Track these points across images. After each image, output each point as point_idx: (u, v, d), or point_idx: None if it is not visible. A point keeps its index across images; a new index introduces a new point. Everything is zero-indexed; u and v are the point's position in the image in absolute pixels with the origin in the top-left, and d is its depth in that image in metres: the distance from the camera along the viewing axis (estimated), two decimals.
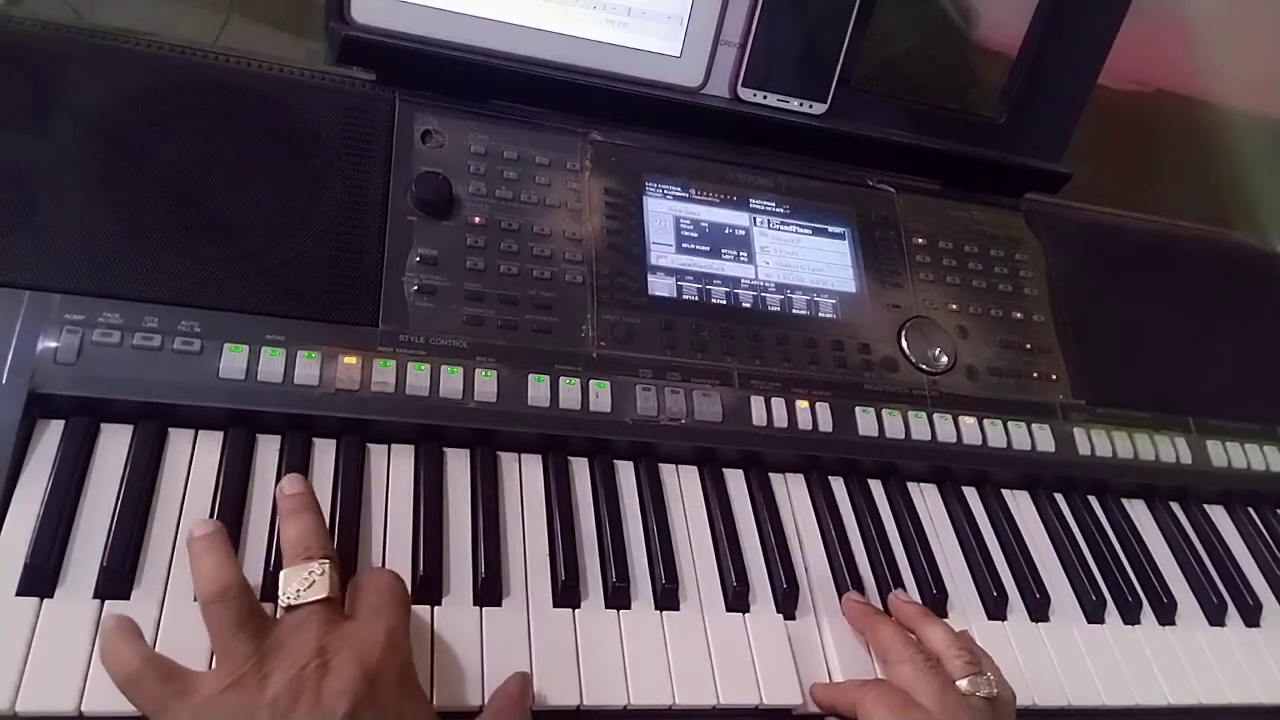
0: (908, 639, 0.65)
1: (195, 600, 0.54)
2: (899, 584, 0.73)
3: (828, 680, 0.66)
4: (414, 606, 0.60)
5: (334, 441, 0.67)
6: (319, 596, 0.53)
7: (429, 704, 0.55)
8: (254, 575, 0.59)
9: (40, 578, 0.55)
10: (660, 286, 0.79)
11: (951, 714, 0.59)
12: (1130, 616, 0.78)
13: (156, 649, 0.54)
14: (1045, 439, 0.84)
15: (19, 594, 0.55)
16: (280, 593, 0.53)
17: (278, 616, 0.53)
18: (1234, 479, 0.90)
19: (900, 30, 0.99)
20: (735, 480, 0.76)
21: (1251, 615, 0.82)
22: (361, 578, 0.57)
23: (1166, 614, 0.79)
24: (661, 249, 0.80)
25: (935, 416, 0.81)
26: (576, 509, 0.69)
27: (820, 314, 0.83)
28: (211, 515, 0.61)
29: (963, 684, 0.62)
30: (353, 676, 0.49)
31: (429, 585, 0.62)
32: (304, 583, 0.53)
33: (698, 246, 0.82)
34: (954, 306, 0.87)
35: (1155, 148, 1.24)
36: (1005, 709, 0.63)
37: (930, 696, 0.60)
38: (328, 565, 0.54)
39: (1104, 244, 0.98)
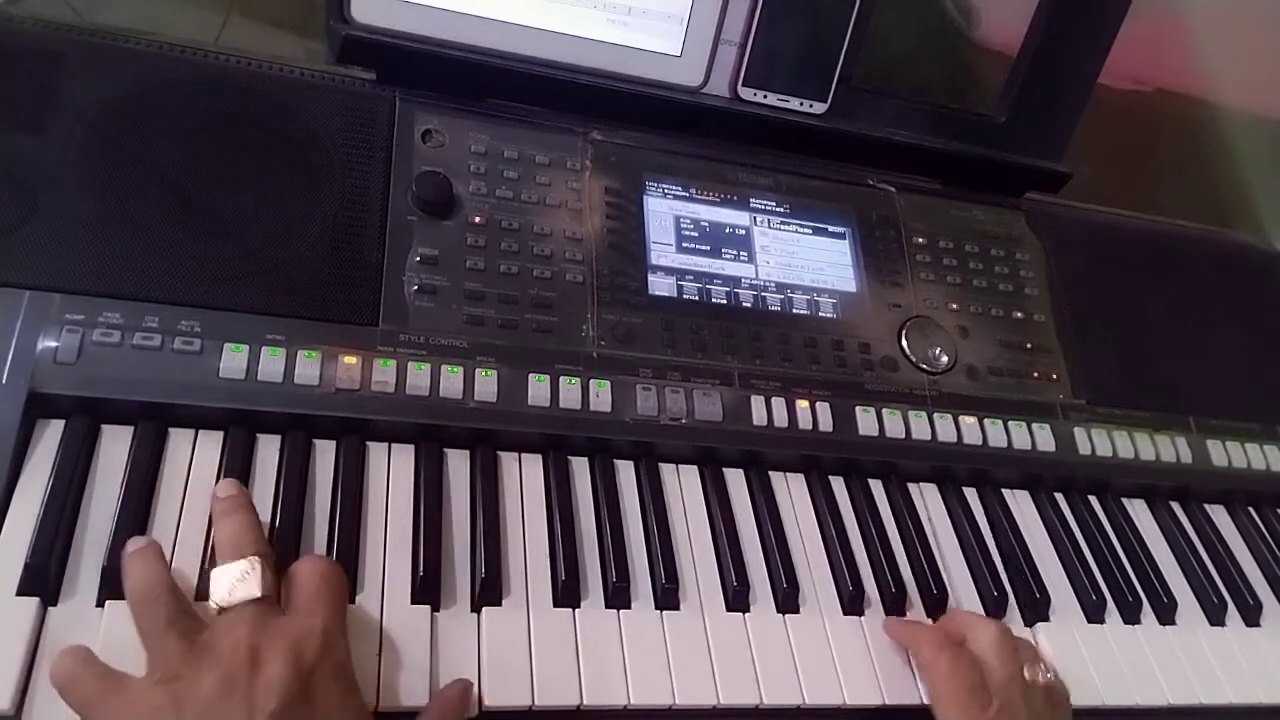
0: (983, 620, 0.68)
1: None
2: (899, 584, 0.73)
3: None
4: (414, 606, 0.61)
5: (334, 441, 0.67)
6: (250, 596, 0.52)
7: (363, 702, 0.54)
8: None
9: (40, 578, 0.55)
10: (660, 286, 0.79)
11: (1012, 700, 0.61)
12: (1130, 616, 0.78)
13: None
14: (1045, 439, 0.84)
15: (19, 594, 0.54)
16: (211, 594, 0.53)
17: (207, 617, 0.53)
18: (1234, 479, 0.90)
19: (901, 30, 0.99)
20: (735, 480, 0.76)
21: (1252, 615, 0.82)
22: (295, 570, 0.56)
23: (1167, 614, 0.79)
24: (662, 248, 0.80)
25: (935, 416, 0.81)
26: (576, 509, 0.69)
27: (820, 314, 0.82)
28: (211, 515, 0.61)
29: (1028, 673, 0.64)
30: (282, 675, 0.49)
31: (429, 585, 0.62)
32: (235, 582, 0.53)
33: (698, 246, 0.82)
34: (954, 306, 0.87)
35: (1155, 148, 1.24)
36: (1059, 695, 0.65)
37: (999, 680, 0.62)
38: (259, 563, 0.54)
39: (1104, 244, 0.98)
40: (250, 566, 0.53)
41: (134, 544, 0.56)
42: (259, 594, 0.53)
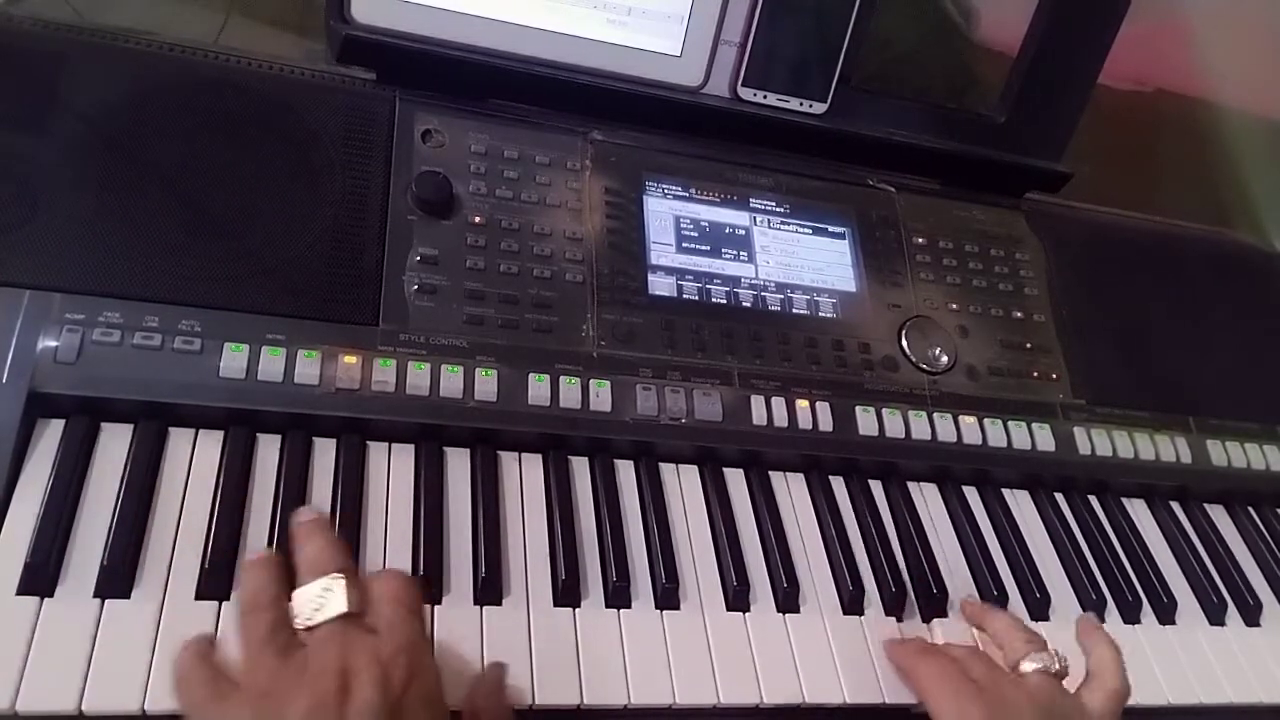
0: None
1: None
2: (899, 584, 0.73)
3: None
4: None
5: (334, 441, 0.67)
6: (335, 612, 0.51)
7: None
8: None
9: (40, 577, 0.55)
10: (660, 286, 0.79)
11: (1000, 691, 0.62)
12: (1130, 616, 0.78)
13: (156, 648, 0.55)
14: (1045, 438, 0.84)
15: (19, 593, 0.55)
16: (295, 614, 0.52)
17: (299, 637, 0.52)
18: (1234, 479, 0.90)
19: (901, 30, 1.00)
20: (735, 480, 0.76)
21: (1251, 615, 0.82)
22: (375, 586, 0.55)
23: (1166, 613, 0.79)
24: (662, 248, 0.80)
25: (935, 416, 0.81)
26: (576, 508, 0.69)
27: (820, 313, 0.83)
28: (211, 514, 0.61)
29: (1026, 665, 0.64)
30: (372, 699, 0.48)
31: (429, 585, 0.62)
32: (318, 600, 0.52)
33: (698, 246, 0.82)
34: (954, 306, 0.87)
35: (1155, 148, 1.25)
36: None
37: (982, 673, 0.63)
38: (341, 580, 0.53)
39: (1104, 244, 0.98)
40: (331, 584, 0.52)
41: (253, 554, 0.55)
42: (344, 609, 0.52)
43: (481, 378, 0.70)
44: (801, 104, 0.87)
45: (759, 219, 0.85)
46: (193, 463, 0.63)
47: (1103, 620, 0.76)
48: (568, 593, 0.65)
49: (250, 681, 0.50)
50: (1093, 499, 0.86)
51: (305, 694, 0.48)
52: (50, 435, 0.61)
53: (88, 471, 0.61)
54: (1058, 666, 0.65)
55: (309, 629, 0.51)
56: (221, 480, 0.63)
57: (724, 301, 0.80)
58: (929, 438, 0.80)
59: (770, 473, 0.77)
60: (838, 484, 0.78)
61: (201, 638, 0.53)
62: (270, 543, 0.61)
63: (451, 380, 0.69)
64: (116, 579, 0.56)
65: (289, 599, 0.53)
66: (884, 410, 0.80)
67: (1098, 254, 0.96)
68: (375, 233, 0.72)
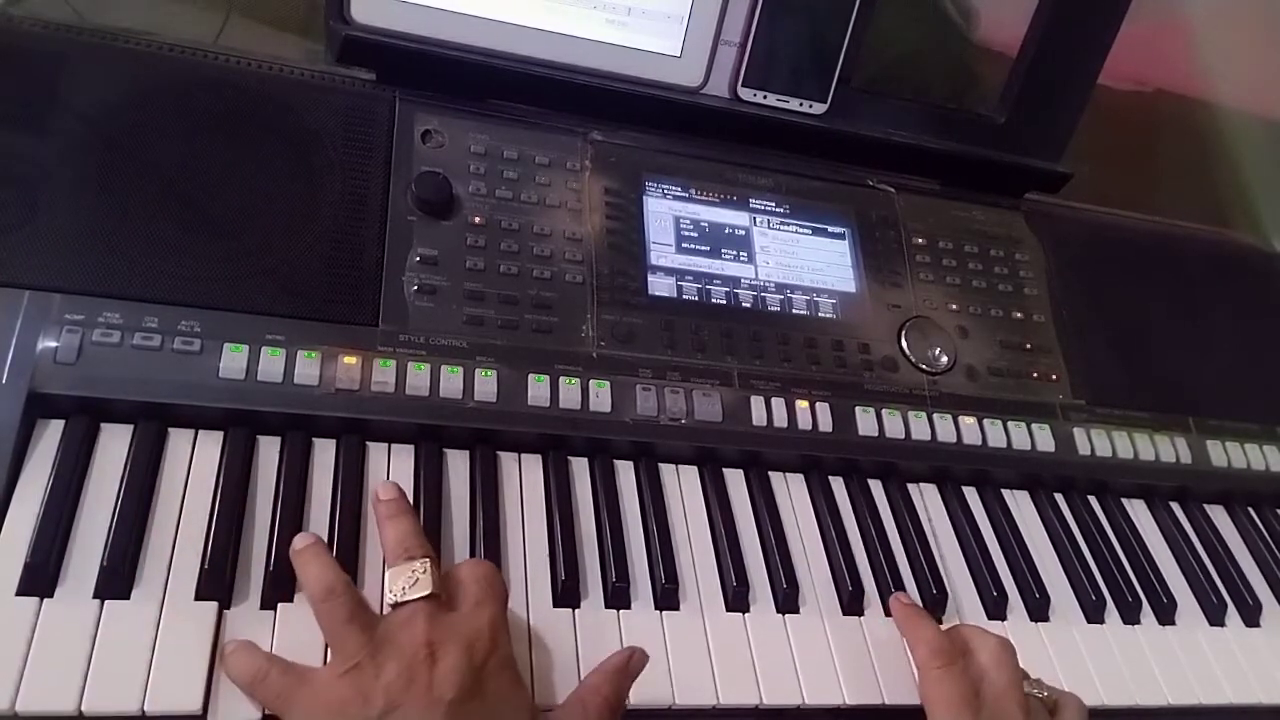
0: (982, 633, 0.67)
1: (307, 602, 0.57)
2: (899, 584, 0.73)
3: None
4: None
5: (334, 441, 0.67)
6: (423, 593, 0.55)
7: (528, 692, 0.57)
8: (256, 575, 0.59)
9: (40, 578, 0.55)
10: (660, 286, 0.79)
11: (1006, 711, 0.62)
12: (1130, 616, 0.78)
13: (156, 648, 0.55)
14: (1045, 439, 0.84)
15: (19, 594, 0.55)
16: (386, 590, 0.56)
17: (385, 613, 0.56)
18: (1234, 479, 0.90)
19: (900, 30, 0.99)
20: (735, 480, 0.76)
21: (1251, 615, 0.82)
22: (460, 571, 0.59)
23: (1166, 614, 0.79)
24: (661, 249, 0.80)
25: (935, 416, 0.81)
26: (576, 509, 0.69)
27: (820, 314, 0.83)
28: (211, 515, 0.61)
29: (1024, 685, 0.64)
30: (458, 666, 0.52)
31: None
32: (408, 580, 0.56)
33: (698, 246, 0.82)
34: (954, 306, 0.87)
35: (1155, 148, 1.24)
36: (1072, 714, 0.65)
37: (995, 690, 0.63)
38: (429, 564, 0.57)
39: (1104, 244, 0.98)
40: (422, 567, 0.56)
41: (301, 541, 0.58)
42: (430, 590, 0.55)
43: (481, 378, 0.70)
44: (801, 104, 0.87)
45: (759, 219, 0.85)
46: (192, 463, 0.63)
47: (1103, 620, 0.77)
48: (567, 593, 0.65)
49: (338, 655, 0.54)
50: (1092, 499, 0.86)
51: (395, 661, 0.52)
52: (50, 435, 0.61)
53: (88, 472, 0.61)
54: (1045, 693, 0.65)
55: (395, 605, 0.55)
56: (221, 481, 0.63)
57: (724, 302, 0.80)
58: (929, 438, 0.80)
59: (770, 473, 0.77)
60: (837, 484, 0.78)
61: (246, 643, 0.55)
62: (270, 544, 0.61)
63: (451, 381, 0.69)
64: (116, 579, 0.56)
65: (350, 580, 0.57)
66: (884, 411, 0.80)
67: (1098, 254, 0.96)
68: (375, 233, 0.72)
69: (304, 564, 0.57)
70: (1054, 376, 0.87)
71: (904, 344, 0.84)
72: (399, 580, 0.56)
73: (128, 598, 0.56)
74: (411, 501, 0.66)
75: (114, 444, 0.62)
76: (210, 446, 0.64)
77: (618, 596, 0.66)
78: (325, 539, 0.62)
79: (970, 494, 0.82)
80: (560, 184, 0.80)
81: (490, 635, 0.55)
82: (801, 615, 0.69)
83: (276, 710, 0.53)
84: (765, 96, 0.86)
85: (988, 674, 0.64)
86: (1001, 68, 0.94)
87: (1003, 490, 0.83)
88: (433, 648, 0.53)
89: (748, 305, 0.81)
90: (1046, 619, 0.75)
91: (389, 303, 0.70)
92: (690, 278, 0.80)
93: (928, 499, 0.81)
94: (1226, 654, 0.78)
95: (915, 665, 0.66)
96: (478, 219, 0.76)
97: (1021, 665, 0.66)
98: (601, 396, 0.72)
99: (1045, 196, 0.97)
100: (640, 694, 0.61)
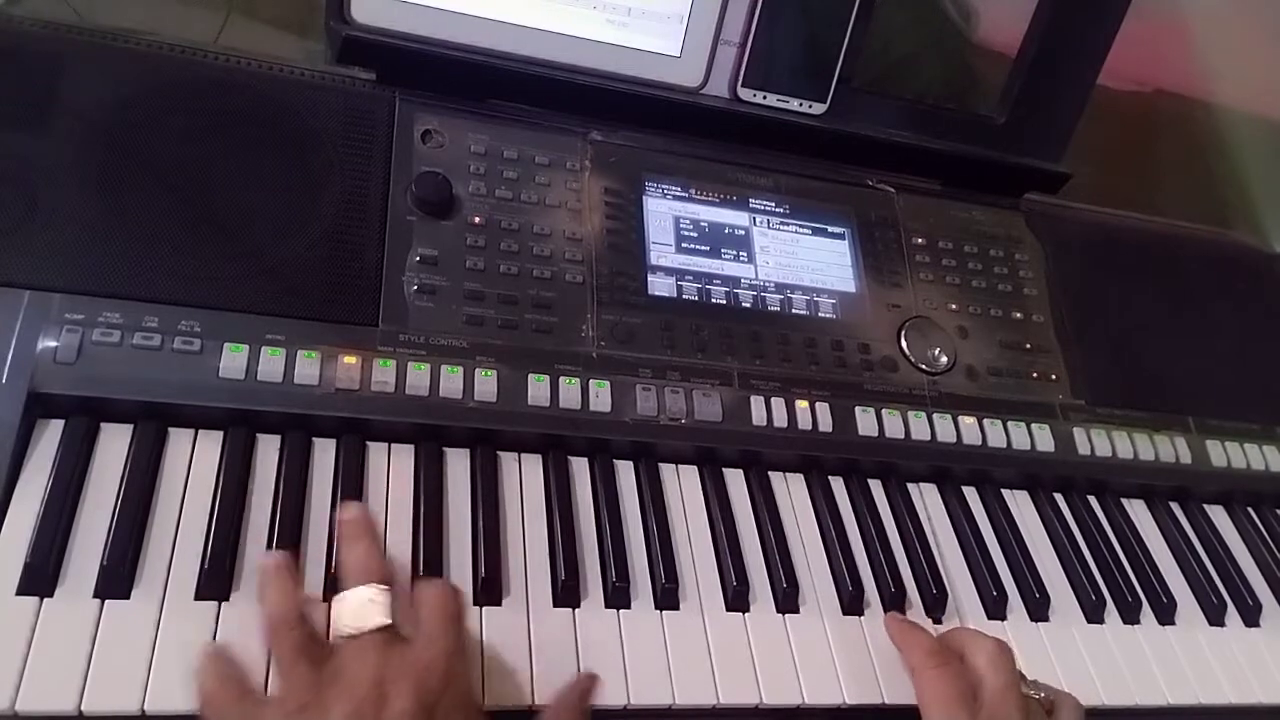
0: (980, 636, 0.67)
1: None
2: (899, 584, 0.73)
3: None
4: None
5: (334, 441, 0.67)
6: (377, 624, 0.52)
7: None
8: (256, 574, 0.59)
9: (40, 577, 0.55)
10: (660, 286, 0.79)
11: (1004, 712, 0.61)
12: (1130, 616, 0.78)
13: (156, 649, 0.55)
14: (1045, 439, 0.84)
15: (19, 594, 0.55)
16: (335, 620, 0.53)
17: (335, 644, 0.53)
18: (1234, 479, 0.90)
19: (900, 30, 1.00)
20: (735, 480, 0.76)
21: (1251, 615, 0.82)
22: (418, 595, 0.56)
23: (1166, 614, 0.79)
24: (661, 249, 0.80)
25: (935, 416, 0.81)
26: (576, 509, 0.69)
27: (820, 314, 0.83)
28: (211, 515, 0.61)
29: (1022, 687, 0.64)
30: (408, 708, 0.49)
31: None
32: (361, 611, 0.53)
33: (697, 246, 0.82)
34: (954, 306, 0.87)
35: (1155, 148, 1.25)
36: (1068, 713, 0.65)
37: (992, 691, 0.62)
38: (386, 592, 0.54)
39: (1104, 244, 0.98)
40: (376, 594, 0.53)
41: (270, 560, 0.56)
42: (385, 621, 0.53)
43: (481, 378, 0.70)
44: (801, 104, 0.87)
45: (758, 219, 0.85)
46: (192, 463, 0.63)
47: (1102, 620, 0.77)
48: (567, 593, 0.65)
49: (286, 692, 0.51)
50: (1092, 499, 0.86)
51: (343, 703, 0.49)
52: (50, 435, 0.61)
53: (87, 472, 0.61)
54: (1043, 695, 0.65)
55: (347, 637, 0.52)
56: (221, 480, 0.63)
57: (724, 302, 0.80)
58: (928, 438, 0.80)
59: (770, 473, 0.77)
60: (837, 484, 0.78)
61: (218, 650, 0.53)
62: (270, 543, 0.61)
63: (451, 380, 0.69)
64: (116, 579, 0.56)
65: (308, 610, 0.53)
66: (884, 411, 0.80)
67: (1097, 254, 0.96)
68: (375, 233, 0.72)
69: (265, 585, 0.55)
70: (1054, 376, 0.87)
71: (904, 344, 0.84)
72: (348, 612, 0.53)
73: (128, 597, 0.56)
74: (411, 502, 0.66)
75: (114, 444, 0.62)
76: (210, 446, 0.64)
77: (618, 596, 0.66)
78: (324, 540, 0.63)
79: (970, 494, 0.82)
80: (560, 184, 0.80)
81: (444, 672, 0.52)
82: (801, 615, 0.69)
83: None
84: (765, 96, 0.86)
85: (985, 676, 0.63)
86: (1001, 68, 0.94)
87: (1002, 490, 0.83)
88: (383, 686, 0.50)
89: (748, 305, 0.81)
90: (1046, 619, 0.75)
91: (389, 303, 0.70)
92: (690, 278, 0.80)
93: (928, 499, 0.81)
94: (1226, 654, 0.78)
95: (910, 669, 0.66)
96: (477, 219, 0.76)
97: (1021, 665, 0.66)
98: (601, 396, 0.72)
99: (1045, 197, 0.97)
100: (640, 694, 0.61)
